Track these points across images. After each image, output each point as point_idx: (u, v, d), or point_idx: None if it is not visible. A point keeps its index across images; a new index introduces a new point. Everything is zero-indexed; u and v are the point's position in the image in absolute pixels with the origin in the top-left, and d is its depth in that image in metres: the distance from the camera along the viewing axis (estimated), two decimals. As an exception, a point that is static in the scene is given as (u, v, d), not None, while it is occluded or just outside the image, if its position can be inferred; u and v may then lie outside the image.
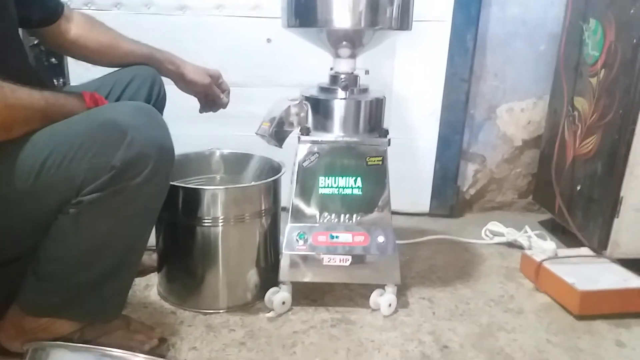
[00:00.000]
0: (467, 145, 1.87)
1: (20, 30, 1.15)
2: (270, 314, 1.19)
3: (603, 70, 1.41)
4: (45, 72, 1.72)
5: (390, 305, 1.21)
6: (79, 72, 1.57)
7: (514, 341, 1.13)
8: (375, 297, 1.22)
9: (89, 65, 1.23)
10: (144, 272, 1.33)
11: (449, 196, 1.86)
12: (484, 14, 1.72)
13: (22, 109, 0.83)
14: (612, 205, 1.36)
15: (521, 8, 1.73)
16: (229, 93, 1.34)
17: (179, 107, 1.27)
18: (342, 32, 1.15)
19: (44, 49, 1.68)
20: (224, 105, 1.34)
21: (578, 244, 1.47)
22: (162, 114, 1.14)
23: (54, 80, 1.73)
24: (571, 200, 1.54)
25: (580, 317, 1.21)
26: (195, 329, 1.14)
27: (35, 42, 1.64)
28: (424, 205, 1.86)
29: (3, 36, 0.94)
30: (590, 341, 1.14)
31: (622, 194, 1.34)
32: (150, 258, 1.31)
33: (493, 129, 1.87)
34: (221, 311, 1.20)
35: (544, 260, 1.33)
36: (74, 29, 1.15)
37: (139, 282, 1.31)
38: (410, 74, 1.73)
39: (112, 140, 0.83)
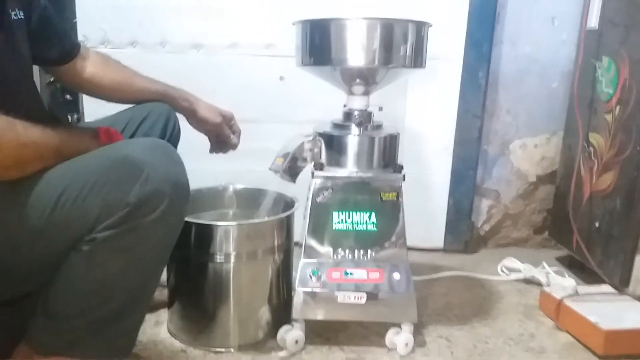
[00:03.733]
0: (481, 180, 1.86)
1: (37, 68, 1.18)
2: (283, 353, 1.16)
3: (618, 106, 1.41)
4: (60, 108, 1.75)
5: (407, 344, 1.17)
6: (94, 108, 1.59)
7: (536, 384, 1.10)
8: (391, 336, 1.19)
9: (104, 101, 1.24)
10: (154, 308, 1.31)
11: (463, 232, 1.83)
12: (496, 51, 1.73)
13: (35, 146, 0.84)
14: (633, 242, 1.33)
15: (533, 46, 1.75)
16: (239, 135, 1.35)
17: (193, 142, 1.28)
18: (356, 70, 1.16)
19: (60, 86, 1.71)
20: (234, 147, 1.34)
21: (597, 280, 1.44)
22: (176, 150, 1.14)
23: (69, 117, 1.75)
24: (590, 237, 1.51)
25: (605, 358, 1.17)
26: (206, 368, 1.11)
27: (52, 79, 1.68)
28: (438, 240, 1.83)
29: (16, 77, 0.96)
30: (616, 384, 1.10)
31: (642, 230, 1.32)
32: (160, 294, 1.29)
33: (507, 164, 1.85)
34: (232, 350, 1.17)
35: (564, 297, 1.30)
36: (90, 67, 1.17)
37: (149, 318, 1.28)
38: (423, 110, 1.74)
39: (128, 177, 0.83)
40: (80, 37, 1.64)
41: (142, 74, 1.24)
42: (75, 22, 1.64)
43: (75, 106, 1.75)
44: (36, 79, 1.32)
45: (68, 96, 1.77)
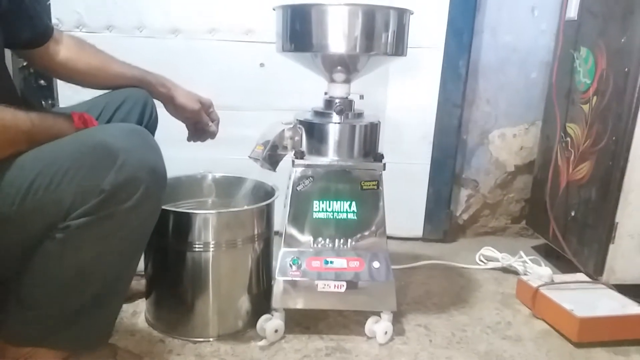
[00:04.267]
0: (460, 170, 1.87)
1: (9, 52, 1.14)
2: (262, 343, 1.16)
3: (595, 97, 1.42)
4: (34, 93, 1.70)
5: (386, 333, 1.18)
6: (68, 94, 1.56)
7: (513, 370, 1.11)
8: (370, 325, 1.19)
9: (79, 87, 1.21)
10: (131, 298, 1.29)
11: (442, 221, 1.84)
12: (476, 41, 1.73)
13: (5, 130, 0.81)
14: (607, 231, 1.35)
15: (512, 36, 1.76)
16: (218, 123, 1.32)
17: (171, 129, 1.25)
18: (337, 57, 1.14)
19: (33, 70, 1.67)
20: (212, 136, 1.32)
21: (572, 269, 1.46)
22: (153, 137, 1.12)
23: (43, 102, 1.71)
24: (566, 226, 1.53)
25: (579, 345, 1.19)
26: (184, 358, 1.10)
27: (24, 63, 1.63)
28: (417, 229, 1.84)
29: None
30: (590, 370, 1.12)
31: (617, 220, 1.34)
32: (138, 283, 1.27)
33: (486, 154, 1.87)
34: (211, 339, 1.16)
35: (540, 286, 1.32)
36: (63, 51, 1.13)
37: (127, 308, 1.26)
38: (404, 99, 1.73)
39: (102, 163, 0.81)
40: (54, 20, 1.59)
41: (119, 59, 1.21)
42: (49, 4, 1.59)
43: (49, 92, 1.71)
44: (8, 63, 1.28)
45: (42, 81, 1.72)
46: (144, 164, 0.84)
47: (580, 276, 1.40)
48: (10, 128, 0.81)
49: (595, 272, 1.39)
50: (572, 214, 1.50)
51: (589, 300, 1.27)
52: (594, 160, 1.42)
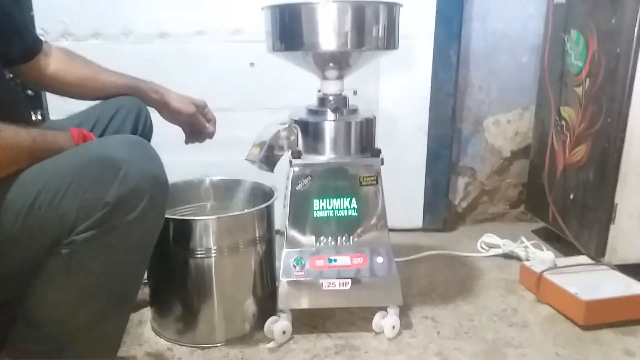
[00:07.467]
0: (456, 158, 1.87)
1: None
2: (271, 345, 1.16)
3: (588, 79, 1.42)
4: (23, 105, 1.68)
5: (394, 327, 1.18)
6: (58, 104, 1.53)
7: (523, 357, 1.12)
8: (378, 320, 1.19)
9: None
10: (136, 307, 1.28)
11: (442, 210, 1.85)
12: (466, 28, 1.73)
13: (8, 148, 0.80)
14: (607, 212, 1.36)
15: (502, 22, 1.75)
16: (215, 123, 1.31)
17: (166, 135, 1.24)
18: (329, 54, 1.14)
19: (20, 81, 1.64)
20: (210, 135, 1.31)
21: (573, 251, 1.47)
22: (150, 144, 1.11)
23: (32, 114, 1.68)
24: (565, 209, 1.54)
25: (586, 327, 1.20)
26: (194, 365, 1.10)
27: (11, 75, 1.60)
28: (417, 220, 1.84)
29: None
30: (599, 351, 1.13)
31: (616, 200, 1.34)
32: (142, 292, 1.26)
33: (481, 141, 1.87)
34: (219, 345, 1.16)
35: (544, 271, 1.32)
36: (53, 63, 1.12)
37: (132, 317, 1.25)
38: (396, 91, 1.73)
39: (105, 176, 0.80)
40: (39, 31, 1.57)
41: (108, 67, 1.19)
42: (32, 16, 1.57)
43: (38, 102, 1.68)
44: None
45: (30, 91, 1.70)
46: (146, 174, 0.83)
47: (583, 258, 1.41)
48: (12, 146, 0.81)
49: (597, 254, 1.40)
50: (571, 196, 1.51)
51: (593, 282, 1.28)
52: (590, 143, 1.42)
